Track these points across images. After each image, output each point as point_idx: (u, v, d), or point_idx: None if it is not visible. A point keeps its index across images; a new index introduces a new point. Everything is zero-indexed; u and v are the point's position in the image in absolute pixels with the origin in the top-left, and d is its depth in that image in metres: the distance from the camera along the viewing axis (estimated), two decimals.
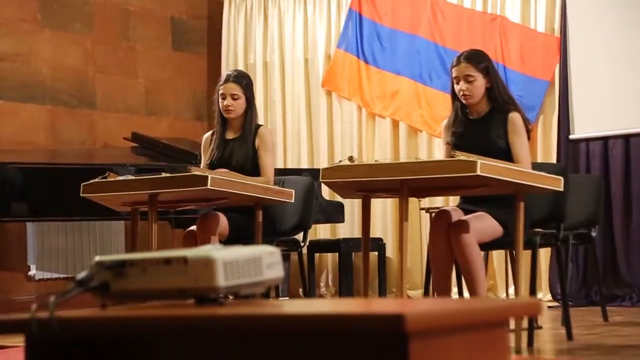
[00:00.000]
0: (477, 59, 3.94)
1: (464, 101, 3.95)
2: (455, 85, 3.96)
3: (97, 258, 1.75)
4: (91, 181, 4.20)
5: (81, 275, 1.73)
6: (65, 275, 6.49)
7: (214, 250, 1.68)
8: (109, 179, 4.15)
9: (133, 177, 4.18)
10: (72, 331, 1.64)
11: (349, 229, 6.93)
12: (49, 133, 6.67)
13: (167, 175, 4.05)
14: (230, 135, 4.57)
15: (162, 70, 7.44)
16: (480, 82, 3.92)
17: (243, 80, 4.55)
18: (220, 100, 4.52)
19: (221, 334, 1.58)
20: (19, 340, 1.76)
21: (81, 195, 4.24)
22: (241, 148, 4.49)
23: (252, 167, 4.46)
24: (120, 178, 4.18)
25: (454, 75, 3.95)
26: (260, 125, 4.59)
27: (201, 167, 4.55)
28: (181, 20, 7.62)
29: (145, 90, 7.32)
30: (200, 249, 1.72)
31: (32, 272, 6.43)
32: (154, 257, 1.71)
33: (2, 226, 5.94)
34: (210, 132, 4.67)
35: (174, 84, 7.53)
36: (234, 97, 4.49)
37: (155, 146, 6.27)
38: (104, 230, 6.72)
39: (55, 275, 6.49)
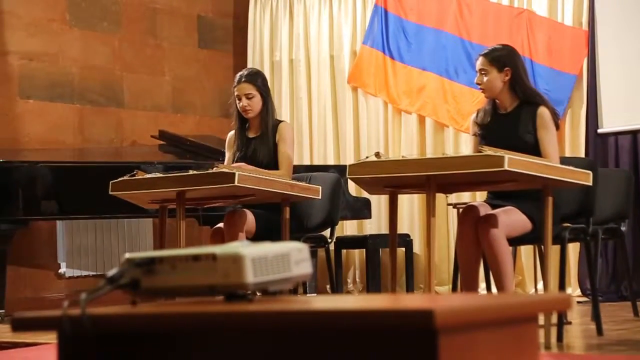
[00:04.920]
0: (492, 53, 3.99)
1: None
2: None
3: (127, 255, 1.76)
4: (119, 179, 4.22)
5: (111, 272, 1.74)
6: (95, 273, 6.54)
7: (243, 247, 1.69)
8: (137, 177, 4.18)
9: (161, 175, 4.21)
10: (103, 328, 1.65)
11: (375, 225, 6.92)
12: (78, 132, 6.72)
13: (195, 172, 4.07)
14: (251, 134, 4.58)
15: (188, 68, 7.47)
16: (493, 76, 3.94)
17: (254, 78, 4.55)
18: (236, 101, 4.54)
19: (250, 330, 1.58)
20: (51, 337, 1.78)
21: (110, 193, 4.27)
22: (263, 145, 4.50)
23: (275, 164, 4.47)
24: (148, 176, 4.20)
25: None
26: (281, 121, 4.60)
27: (224, 164, 4.57)
28: (207, 18, 7.64)
29: (172, 88, 7.35)
30: (229, 246, 1.73)
31: (62, 269, 6.48)
32: (183, 254, 1.72)
33: (33, 224, 5.99)
34: (234, 131, 4.68)
35: (201, 81, 7.55)
36: (248, 97, 4.50)
37: (183, 144, 6.30)
38: (132, 228, 6.77)
39: (84, 273, 6.54)
